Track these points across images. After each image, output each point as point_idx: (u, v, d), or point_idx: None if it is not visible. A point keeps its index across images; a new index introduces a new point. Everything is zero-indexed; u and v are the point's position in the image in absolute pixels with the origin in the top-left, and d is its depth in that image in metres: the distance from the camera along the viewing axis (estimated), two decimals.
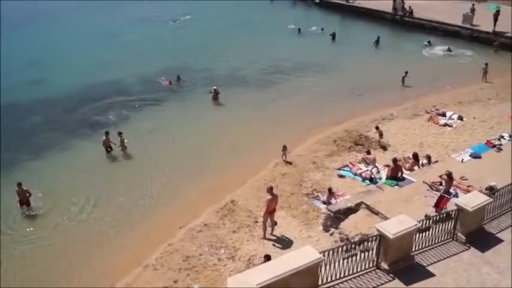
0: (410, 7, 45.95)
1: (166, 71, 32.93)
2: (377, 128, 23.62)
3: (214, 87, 29.11)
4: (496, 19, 39.17)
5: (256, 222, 17.49)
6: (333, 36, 42.02)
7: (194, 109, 28.13)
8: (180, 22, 48.14)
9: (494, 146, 20.40)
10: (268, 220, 16.60)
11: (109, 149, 23.19)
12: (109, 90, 30.61)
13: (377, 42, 40.06)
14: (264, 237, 16.65)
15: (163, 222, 18.39)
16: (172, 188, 20.56)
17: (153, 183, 20.91)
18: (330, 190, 18.14)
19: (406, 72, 31.07)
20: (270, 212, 16.40)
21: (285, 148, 21.82)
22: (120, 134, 23.36)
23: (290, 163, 21.54)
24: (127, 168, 22.54)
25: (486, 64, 31.91)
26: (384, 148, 22.74)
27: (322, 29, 43.84)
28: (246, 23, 46.54)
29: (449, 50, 38.15)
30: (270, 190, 16.38)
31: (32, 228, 18.15)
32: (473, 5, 43.63)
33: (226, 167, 22.07)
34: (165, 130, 25.65)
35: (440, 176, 16.87)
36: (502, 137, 21.18)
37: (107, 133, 23.27)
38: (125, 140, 23.29)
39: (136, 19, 48.34)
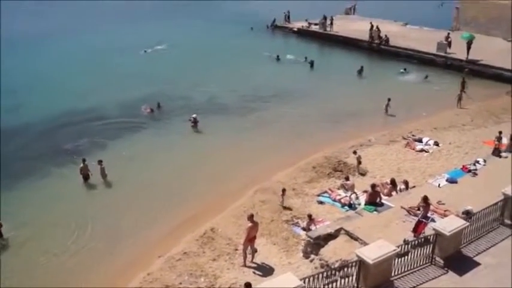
0: (386, 35, 46.90)
1: (146, 98, 32.85)
2: (355, 152, 23.84)
3: (194, 115, 29.18)
4: (469, 47, 40.24)
5: (236, 249, 17.42)
6: (311, 64, 42.56)
7: (173, 137, 28.14)
8: (155, 51, 47.71)
9: (469, 170, 20.80)
10: (249, 247, 16.56)
11: (87, 177, 22.99)
12: (89, 117, 30.47)
13: (360, 71, 40.32)
14: (244, 265, 16.59)
15: (142, 251, 18.24)
16: (152, 216, 20.40)
17: (132, 211, 20.78)
18: (309, 216, 18.23)
19: (389, 100, 31.28)
20: (250, 239, 16.38)
21: (284, 192, 20.50)
22: (100, 162, 23.18)
23: (290, 209, 20.16)
24: (105, 196, 22.35)
25: (460, 91, 32.65)
26: (363, 174, 22.97)
27: (306, 58, 43.91)
28: (225, 51, 46.77)
29: (426, 77, 38.88)
30: (250, 218, 16.39)
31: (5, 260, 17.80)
32: (449, 33, 44.83)
33: (205, 194, 22.03)
34: (144, 158, 25.56)
35: (418, 205, 17.08)
36: (477, 161, 21.63)
37: (83, 160, 23.10)
38: (105, 168, 23.13)
39: (115, 46, 48.08)
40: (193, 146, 27.03)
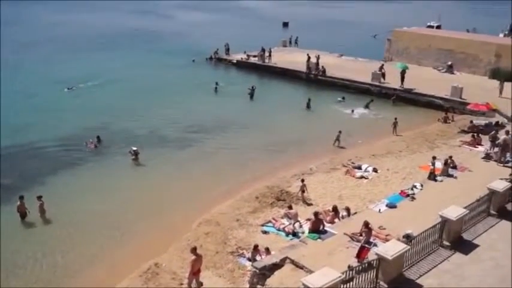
0: (322, 66, 48.22)
1: (86, 133, 31.94)
2: (302, 180, 23.93)
3: (134, 148, 28.70)
4: (403, 77, 42.08)
5: (181, 284, 17.05)
6: (251, 95, 43.00)
7: (114, 170, 27.48)
8: (83, 87, 45.27)
9: (408, 195, 21.48)
10: (194, 281, 16.29)
11: (24, 215, 21.97)
12: (24, 153, 29.33)
13: (308, 104, 40.14)
14: None
15: None
16: (93, 252, 19.71)
17: (72, 248, 19.98)
18: (255, 247, 18.12)
19: (340, 132, 31.43)
20: (195, 272, 16.13)
21: (267, 251, 18.03)
22: (39, 198, 22.24)
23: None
24: (44, 234, 21.33)
25: (396, 118, 33.94)
26: (306, 203, 23.16)
27: (253, 87, 43.76)
28: (166, 84, 46.65)
29: (367, 106, 40.01)
30: (193, 250, 16.17)
31: None
32: (383, 64, 46.75)
33: (148, 228, 21.54)
34: (84, 193, 24.70)
35: (360, 231, 17.37)
36: (415, 186, 22.40)
37: (21, 198, 22.08)
38: (44, 204, 22.22)
39: (48, 80, 46.75)
40: (134, 180, 26.50)
